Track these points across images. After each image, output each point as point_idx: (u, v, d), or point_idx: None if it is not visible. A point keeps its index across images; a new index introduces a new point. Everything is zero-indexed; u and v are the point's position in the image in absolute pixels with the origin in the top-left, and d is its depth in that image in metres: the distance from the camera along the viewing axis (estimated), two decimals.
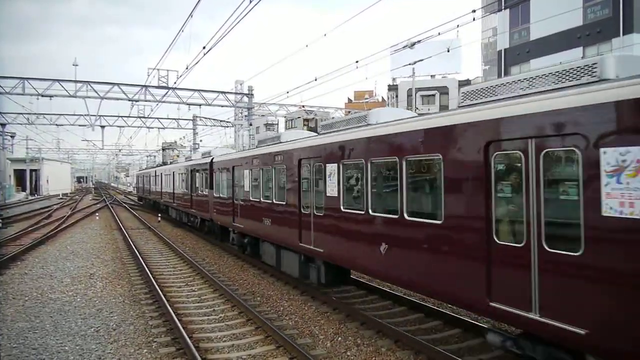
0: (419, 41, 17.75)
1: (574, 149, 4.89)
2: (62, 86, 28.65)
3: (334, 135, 9.65)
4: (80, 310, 10.12)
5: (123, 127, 41.62)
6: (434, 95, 49.10)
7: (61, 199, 56.66)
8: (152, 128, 42.29)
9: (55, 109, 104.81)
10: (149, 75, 28.45)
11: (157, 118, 41.18)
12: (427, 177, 7.46)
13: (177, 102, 31.84)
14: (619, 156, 4.42)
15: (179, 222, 27.24)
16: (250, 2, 11.55)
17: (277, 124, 60.72)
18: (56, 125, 39.98)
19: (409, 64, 22.83)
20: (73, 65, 30.25)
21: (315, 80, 22.97)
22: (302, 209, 10.72)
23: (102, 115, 38.37)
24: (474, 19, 14.78)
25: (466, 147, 6.23)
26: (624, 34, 23.09)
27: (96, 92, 29.46)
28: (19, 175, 64.81)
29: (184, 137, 50.39)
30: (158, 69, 28.88)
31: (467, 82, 50.11)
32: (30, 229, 24.21)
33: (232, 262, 15.94)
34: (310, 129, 37.30)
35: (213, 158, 19.24)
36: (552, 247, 5.08)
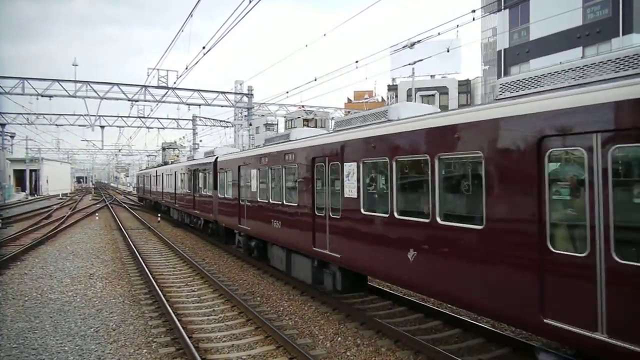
0: (418, 41, 17.75)
1: None
2: (62, 86, 28.67)
3: (351, 132, 8.97)
4: (80, 311, 10.12)
5: (123, 127, 41.64)
6: (433, 95, 49.12)
7: (61, 199, 56.64)
8: (152, 128, 42.31)
9: (55, 109, 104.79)
10: (148, 75, 28.49)
11: (157, 118, 41.20)
12: (465, 177, 6.80)
13: (176, 102, 31.86)
14: None
15: (181, 223, 26.68)
16: (250, 2, 11.55)
17: (277, 124, 60.74)
18: (56, 125, 39.98)
19: (409, 64, 22.82)
20: (73, 65, 30.28)
21: (315, 80, 22.97)
22: (316, 211, 10.06)
23: (102, 116, 38.43)
24: (473, 19, 14.78)
25: (514, 143, 5.56)
26: (623, 34, 23.11)
27: (96, 92, 29.48)
28: (19, 175, 64.81)
29: (183, 137, 50.44)
30: (158, 69, 28.92)
31: (466, 82, 50.22)
32: (30, 229, 24.20)
33: (232, 262, 15.94)
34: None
35: (217, 157, 18.54)
36: (623, 257, 4.49)
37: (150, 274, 13.05)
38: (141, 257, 15.73)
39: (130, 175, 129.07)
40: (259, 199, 13.43)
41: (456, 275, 6.37)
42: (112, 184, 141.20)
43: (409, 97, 45.07)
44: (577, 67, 5.35)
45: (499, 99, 6.15)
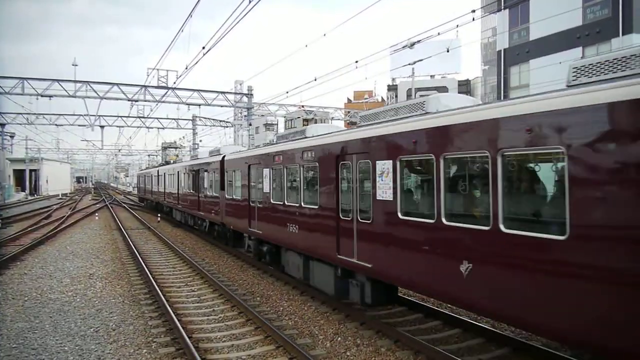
0: (418, 41, 17.75)
1: None
2: (62, 86, 28.66)
3: (384, 127, 7.92)
4: (79, 311, 10.12)
5: (122, 127, 41.66)
6: None
7: (61, 199, 56.63)
8: (152, 128, 42.32)
9: (55, 109, 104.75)
10: (148, 75, 28.49)
11: (157, 118, 41.21)
12: (538, 177, 5.82)
13: (176, 102, 31.86)
14: None
15: (182, 224, 26.09)
16: (250, 2, 11.55)
17: (277, 124, 60.75)
18: (56, 125, 39.99)
19: (409, 64, 22.81)
20: (73, 65, 30.26)
21: (315, 80, 22.98)
22: (340, 215, 9.07)
23: (102, 115, 38.44)
24: (473, 19, 14.78)
25: (615, 136, 4.61)
26: (623, 34, 23.11)
27: (96, 92, 29.48)
28: (19, 175, 64.85)
29: (183, 137, 50.43)
30: (157, 69, 28.91)
31: (466, 82, 50.21)
32: (29, 229, 24.19)
33: (232, 262, 15.94)
34: None
35: (224, 156, 17.48)
36: None
37: (150, 274, 13.05)
38: (141, 257, 15.72)
39: (130, 175, 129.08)
40: (272, 201, 12.42)
41: (532, 297, 5.28)
42: (112, 184, 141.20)
43: (408, 97, 45.07)
44: None
45: (571, 86, 5.33)
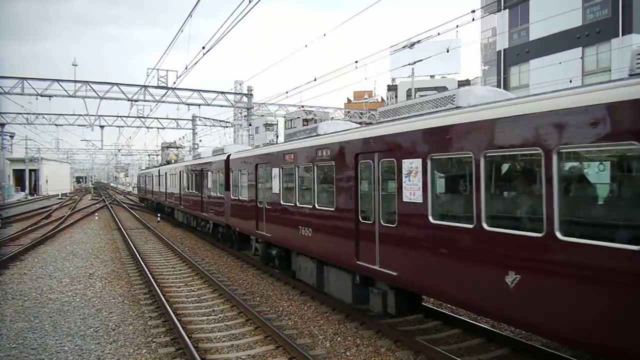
0: (418, 41, 17.76)
1: None
2: (62, 86, 28.62)
3: (411, 122, 7.27)
4: (79, 311, 10.11)
5: (122, 127, 41.54)
6: None
7: (60, 199, 56.63)
8: (152, 128, 42.25)
9: (55, 108, 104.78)
10: (148, 75, 28.45)
11: (157, 118, 41.14)
12: (604, 177, 5.24)
13: (176, 102, 31.81)
14: None
15: (182, 224, 25.63)
16: (250, 2, 11.54)
17: (277, 124, 60.79)
18: (55, 125, 39.93)
19: (409, 64, 22.87)
20: (72, 65, 30.25)
21: (315, 80, 22.98)
22: (360, 218, 8.41)
23: (102, 115, 38.32)
24: (473, 19, 14.79)
25: None
26: (623, 35, 23.10)
27: (95, 92, 29.43)
28: (18, 175, 64.88)
29: (183, 137, 50.44)
30: (157, 69, 28.84)
31: (466, 82, 50.26)
32: (29, 229, 24.20)
33: (232, 262, 15.93)
34: None
35: (230, 155, 16.75)
36: None
37: (150, 273, 13.05)
38: (141, 257, 15.72)
39: (130, 175, 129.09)
40: (282, 202, 11.76)
41: (598, 315, 4.66)
42: (111, 184, 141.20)
43: (408, 97, 45.10)
44: None
45: (636, 74, 4.86)
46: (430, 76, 51.37)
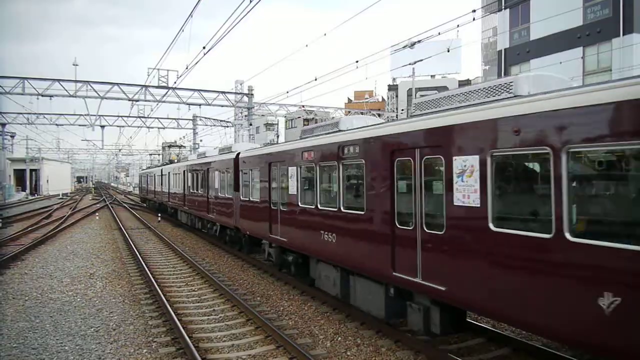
0: (419, 41, 17.76)
1: None
2: (62, 86, 28.67)
3: (463, 113, 6.34)
4: (80, 310, 10.12)
5: (123, 127, 41.68)
6: None
7: (61, 198, 56.67)
8: (152, 128, 42.38)
9: (55, 108, 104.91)
10: (149, 75, 28.50)
11: (157, 118, 41.28)
12: None
13: (177, 102, 31.88)
14: None
15: (191, 227, 24.52)
16: (250, 1, 11.54)
17: (277, 124, 60.81)
18: (56, 125, 40.04)
19: (409, 64, 22.86)
20: (73, 65, 30.35)
21: (316, 80, 22.98)
22: (397, 223, 7.47)
23: (102, 115, 38.45)
24: (474, 19, 14.77)
25: None
26: (624, 34, 23.09)
27: (96, 92, 29.48)
28: (19, 175, 64.91)
29: (184, 137, 50.46)
30: (158, 69, 28.92)
31: (467, 82, 50.22)
32: (30, 228, 24.21)
33: (232, 261, 15.94)
34: None
35: (239, 153, 15.85)
36: None
37: (151, 273, 13.05)
38: (141, 256, 15.73)
39: (131, 175, 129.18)
40: (300, 204, 10.80)
41: None
42: (112, 184, 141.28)
43: (409, 97, 45.10)
44: None
45: None
46: (431, 76, 51.38)
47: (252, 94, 33.17)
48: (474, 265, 6.05)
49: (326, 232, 9.56)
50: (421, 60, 21.50)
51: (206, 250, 18.46)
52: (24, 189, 62.67)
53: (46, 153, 72.13)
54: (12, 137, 54.21)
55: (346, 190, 9.19)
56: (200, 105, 32.48)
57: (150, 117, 38.97)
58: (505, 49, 30.57)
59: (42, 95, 28.70)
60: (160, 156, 59.06)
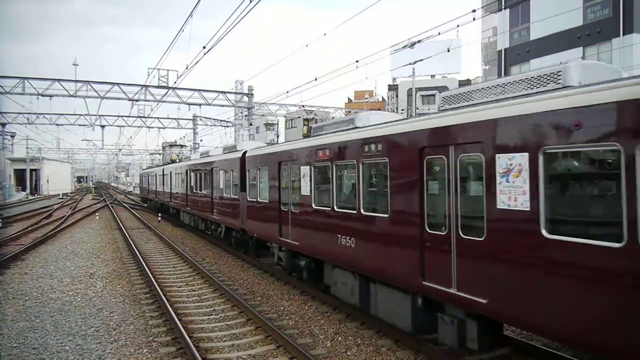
0: (419, 41, 17.75)
1: None
2: (62, 86, 28.66)
3: (509, 106, 5.65)
4: (80, 310, 10.13)
5: (123, 126, 41.66)
6: (434, 95, 49.18)
7: (61, 198, 56.69)
8: (152, 128, 42.36)
9: (56, 108, 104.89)
10: (149, 75, 28.49)
11: (157, 118, 41.26)
12: None
13: (177, 102, 31.86)
14: None
15: (195, 228, 23.77)
16: (250, 1, 11.55)
17: (277, 124, 60.83)
18: (56, 125, 40.02)
19: (409, 64, 22.83)
20: (73, 65, 30.34)
21: (316, 80, 22.98)
22: (427, 227, 6.82)
23: (102, 115, 38.41)
24: (474, 19, 14.78)
25: None
26: (624, 34, 23.11)
27: (96, 91, 29.47)
28: (19, 175, 64.96)
29: (184, 136, 50.46)
30: (158, 69, 28.89)
31: (467, 82, 50.24)
32: (30, 228, 24.22)
33: (232, 261, 15.94)
34: (310, 130, 37.31)
35: (246, 152, 15.29)
36: None
37: (151, 273, 13.06)
38: (141, 256, 15.74)
39: (131, 175, 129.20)
40: (314, 205, 10.18)
41: None
42: (112, 184, 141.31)
43: (409, 96, 45.12)
44: None
45: None
46: (431, 76, 51.36)
47: (252, 94, 33.16)
48: (523, 277, 5.38)
49: (344, 236, 8.93)
50: (421, 60, 21.48)
51: (206, 250, 18.46)
52: (24, 189, 62.70)
53: (46, 153, 72.16)
54: (12, 137, 54.24)
55: (367, 191, 8.56)
56: (200, 105, 32.47)
57: (151, 117, 38.97)
58: (505, 49, 30.59)
59: (42, 95, 28.69)
60: (161, 156, 59.03)
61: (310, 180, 10.33)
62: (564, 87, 5.36)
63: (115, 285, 12.41)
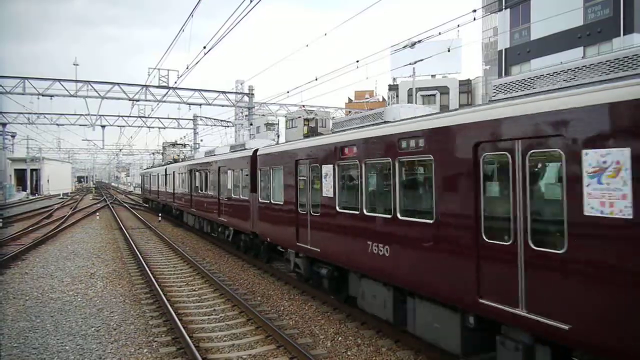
0: (419, 41, 17.75)
1: None
2: (63, 86, 28.67)
3: (594, 92, 4.71)
4: (80, 310, 10.13)
5: (123, 126, 41.67)
6: (434, 95, 49.24)
7: (62, 198, 56.71)
8: (153, 128, 42.39)
9: (56, 108, 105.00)
10: (149, 75, 28.49)
11: (158, 118, 41.27)
12: None
13: (177, 102, 31.86)
14: None
15: (200, 232, 22.62)
16: (251, 1, 11.55)
17: (278, 124, 60.81)
18: (57, 124, 40.03)
19: (409, 64, 22.84)
20: (73, 64, 30.37)
21: (316, 80, 22.97)
22: (484, 235, 5.85)
23: (103, 115, 38.41)
24: (474, 19, 14.77)
25: None
26: (624, 34, 23.10)
27: (97, 91, 29.48)
28: (20, 175, 65.02)
29: (184, 136, 50.47)
30: (158, 69, 28.88)
31: (467, 82, 50.23)
32: (30, 228, 24.24)
33: (233, 261, 15.95)
34: (311, 129, 37.34)
35: (257, 150, 14.36)
36: None
37: (151, 273, 13.06)
38: (142, 256, 15.74)
39: (131, 175, 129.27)
40: (338, 208, 9.25)
41: None
42: (113, 184, 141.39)
43: (409, 96, 45.13)
44: None
45: None
46: (432, 76, 51.35)
47: (252, 94, 33.16)
48: (622, 300, 4.42)
49: (375, 243, 7.97)
50: (421, 60, 21.48)
51: (207, 250, 18.47)
52: (24, 189, 62.74)
53: (47, 153, 72.21)
54: (13, 137, 54.22)
55: (405, 193, 7.56)
56: (200, 105, 32.47)
57: (151, 117, 38.97)
58: (505, 49, 30.59)
59: (43, 95, 28.70)
60: (162, 156, 59.02)
61: (334, 180, 9.37)
62: None
63: (116, 285, 12.42)
